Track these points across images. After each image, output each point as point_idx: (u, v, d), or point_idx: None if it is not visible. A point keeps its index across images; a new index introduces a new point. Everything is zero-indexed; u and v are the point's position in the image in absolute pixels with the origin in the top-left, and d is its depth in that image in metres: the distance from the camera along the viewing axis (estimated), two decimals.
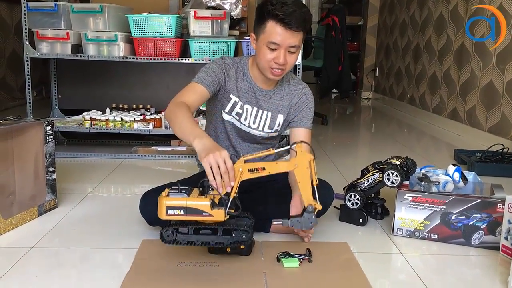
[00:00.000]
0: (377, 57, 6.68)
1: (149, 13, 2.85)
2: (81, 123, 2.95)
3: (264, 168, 1.35)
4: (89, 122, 2.90)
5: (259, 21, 1.63)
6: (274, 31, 1.58)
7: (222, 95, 1.75)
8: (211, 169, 1.30)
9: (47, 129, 1.89)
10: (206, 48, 2.83)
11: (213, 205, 1.31)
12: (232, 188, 1.33)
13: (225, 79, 1.73)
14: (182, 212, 1.30)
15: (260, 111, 1.78)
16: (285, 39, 1.58)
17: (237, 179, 1.33)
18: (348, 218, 1.91)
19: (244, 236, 1.32)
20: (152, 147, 3.07)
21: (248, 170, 1.34)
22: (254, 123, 1.79)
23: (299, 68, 2.89)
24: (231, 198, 1.32)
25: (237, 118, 1.78)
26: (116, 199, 2.24)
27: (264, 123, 1.79)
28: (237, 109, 1.77)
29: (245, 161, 1.35)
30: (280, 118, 1.80)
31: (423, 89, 4.88)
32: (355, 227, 1.88)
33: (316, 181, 1.38)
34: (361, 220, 1.88)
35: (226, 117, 1.78)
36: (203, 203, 1.30)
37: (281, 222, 1.39)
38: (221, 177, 1.30)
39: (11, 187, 1.78)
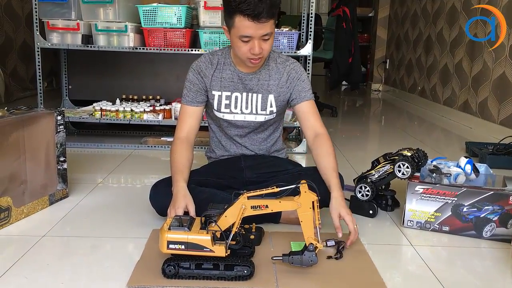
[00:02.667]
0: (387, 49, 6.62)
1: (159, 3, 2.84)
2: (92, 114, 2.96)
3: (267, 206, 1.34)
4: (99, 112, 2.91)
5: (227, 15, 1.62)
6: (243, 25, 1.56)
7: (207, 95, 1.80)
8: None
9: (58, 118, 1.90)
10: (216, 38, 2.82)
11: (214, 239, 1.31)
12: (233, 224, 1.33)
13: (204, 80, 1.78)
14: (183, 247, 1.30)
15: (250, 94, 1.80)
16: (255, 30, 1.57)
17: (239, 215, 1.33)
18: (358, 210, 1.90)
19: (246, 271, 1.32)
20: (161, 138, 3.08)
21: (251, 207, 1.33)
22: (246, 108, 1.80)
23: (309, 60, 2.88)
24: (233, 233, 1.32)
25: (227, 111, 1.80)
26: (126, 189, 2.25)
27: (257, 106, 1.80)
28: (224, 101, 1.79)
29: (248, 198, 1.34)
30: (271, 98, 1.80)
31: (434, 81, 4.84)
32: (365, 219, 1.87)
33: (319, 220, 1.37)
34: (371, 211, 1.87)
35: (218, 114, 1.82)
36: (204, 238, 1.30)
37: (281, 259, 1.39)
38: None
39: (22, 176, 1.79)
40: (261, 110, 1.81)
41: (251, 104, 1.80)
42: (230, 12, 1.58)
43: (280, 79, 1.79)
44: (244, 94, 1.79)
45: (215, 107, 1.81)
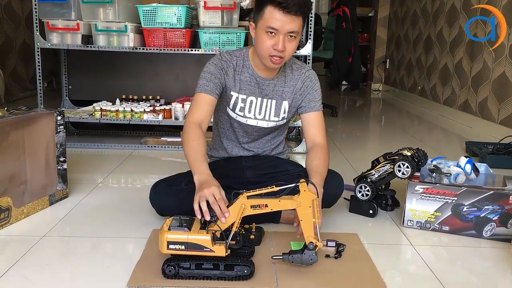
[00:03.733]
0: (387, 49, 6.62)
1: (159, 3, 2.84)
2: (91, 114, 2.96)
3: (266, 205, 1.34)
4: (99, 113, 2.91)
5: (258, 7, 1.61)
6: (273, 16, 1.55)
7: (224, 93, 1.76)
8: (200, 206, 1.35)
9: (58, 119, 1.90)
10: (216, 38, 2.82)
11: (214, 239, 1.31)
12: (233, 223, 1.33)
13: (225, 78, 1.73)
14: (183, 247, 1.30)
15: (265, 100, 1.78)
16: (284, 24, 1.55)
17: (238, 214, 1.33)
18: (358, 210, 1.90)
19: (246, 271, 1.33)
20: (161, 138, 3.08)
21: (251, 206, 1.33)
22: (260, 113, 1.78)
23: (309, 59, 2.88)
24: (232, 232, 1.32)
25: (241, 114, 1.78)
26: (126, 189, 2.25)
27: (270, 112, 1.79)
28: (240, 103, 1.77)
29: (248, 197, 1.34)
30: (285, 105, 1.79)
31: (434, 81, 4.84)
32: (365, 219, 1.87)
33: (318, 219, 1.37)
34: (371, 211, 1.87)
35: (232, 114, 1.79)
36: (204, 238, 1.30)
37: (281, 258, 1.39)
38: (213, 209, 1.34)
39: (22, 177, 1.79)
40: (274, 116, 1.80)
41: (265, 110, 1.78)
42: (262, 2, 1.58)
43: (295, 86, 1.78)
44: (259, 99, 1.77)
45: (231, 106, 1.78)
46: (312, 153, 1.74)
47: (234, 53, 1.77)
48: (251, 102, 1.77)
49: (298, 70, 1.80)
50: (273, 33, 1.57)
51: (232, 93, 1.75)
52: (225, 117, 1.83)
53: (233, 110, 1.78)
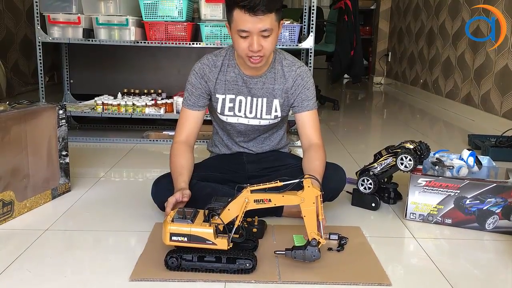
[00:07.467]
0: (389, 42, 6.59)
1: None
2: (93, 108, 2.96)
3: (270, 200, 1.33)
4: (101, 106, 2.91)
5: (227, 9, 1.58)
6: (241, 18, 1.51)
7: (210, 98, 1.76)
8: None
9: (59, 113, 1.90)
10: (217, 32, 2.81)
11: (217, 232, 1.31)
12: (236, 217, 1.33)
13: (207, 85, 1.72)
14: (185, 239, 1.31)
15: (255, 99, 1.74)
16: (253, 25, 1.51)
17: (242, 208, 1.32)
18: (360, 203, 1.90)
19: (248, 265, 1.33)
20: (163, 132, 3.08)
21: (254, 200, 1.33)
22: (250, 112, 1.76)
23: (311, 53, 2.87)
24: (235, 226, 1.32)
25: (231, 113, 1.76)
26: (129, 183, 2.25)
27: (261, 110, 1.76)
28: (228, 104, 1.75)
29: (252, 191, 1.33)
30: (276, 103, 1.75)
31: (436, 73, 4.82)
32: (367, 212, 1.87)
33: (322, 215, 1.37)
34: (373, 204, 1.87)
35: (222, 117, 1.78)
36: (207, 231, 1.30)
37: (284, 253, 1.39)
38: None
39: (25, 170, 1.79)
40: (266, 114, 1.76)
41: (256, 109, 1.75)
42: (229, 6, 1.55)
43: (285, 84, 1.73)
44: (249, 98, 1.74)
45: (219, 110, 1.76)
46: (310, 154, 1.71)
47: (219, 53, 1.74)
48: (240, 101, 1.74)
49: (288, 67, 1.73)
50: (246, 35, 1.54)
51: (217, 96, 1.74)
52: (218, 121, 1.83)
53: (222, 113, 1.77)
